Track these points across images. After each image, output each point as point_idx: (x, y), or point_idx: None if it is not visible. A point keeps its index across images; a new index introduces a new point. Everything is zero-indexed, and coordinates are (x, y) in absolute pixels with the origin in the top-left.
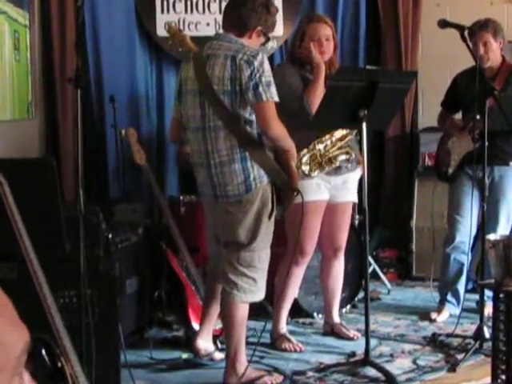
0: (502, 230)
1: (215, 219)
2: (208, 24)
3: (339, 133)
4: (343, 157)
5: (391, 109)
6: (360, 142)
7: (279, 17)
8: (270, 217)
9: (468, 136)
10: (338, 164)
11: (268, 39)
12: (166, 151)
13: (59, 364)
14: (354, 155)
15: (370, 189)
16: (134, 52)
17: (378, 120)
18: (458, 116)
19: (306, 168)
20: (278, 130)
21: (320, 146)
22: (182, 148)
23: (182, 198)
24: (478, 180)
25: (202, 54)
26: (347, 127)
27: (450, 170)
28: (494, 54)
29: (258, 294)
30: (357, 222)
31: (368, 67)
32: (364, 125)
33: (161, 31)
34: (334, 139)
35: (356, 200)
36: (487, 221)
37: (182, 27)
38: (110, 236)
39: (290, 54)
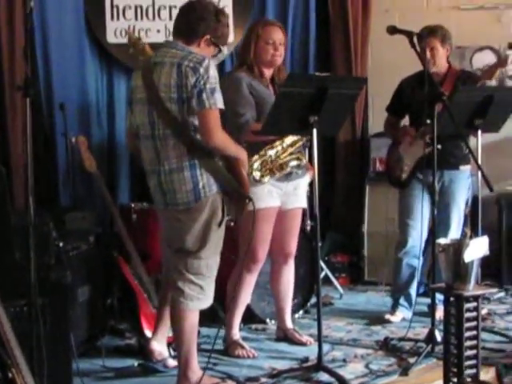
0: (452, 234)
1: (166, 226)
2: (158, 31)
3: (290, 139)
4: (294, 163)
5: (341, 114)
6: (310, 148)
7: (230, 23)
8: (219, 225)
9: (420, 141)
10: (289, 170)
11: (219, 50)
12: (116, 158)
13: (10, 375)
14: (304, 161)
15: (321, 194)
16: (84, 59)
17: (329, 126)
18: (405, 121)
19: (256, 174)
20: (220, 139)
21: (271, 152)
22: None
23: (133, 205)
24: (428, 184)
25: (149, 62)
26: (298, 133)
27: (404, 176)
28: (440, 60)
29: (205, 302)
30: (308, 228)
31: (318, 74)
32: (315, 131)
33: (111, 38)
34: (284, 145)
35: (306, 206)
36: (438, 225)
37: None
38: (61, 244)
39: (241, 58)
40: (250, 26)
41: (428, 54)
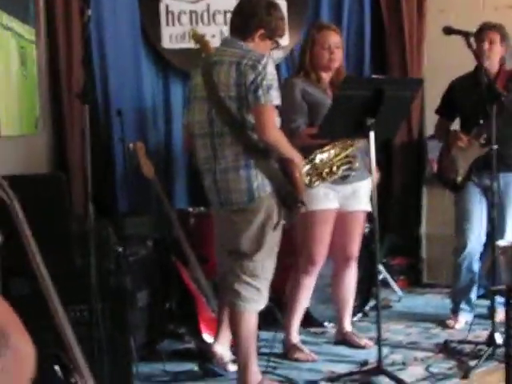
0: (510, 236)
1: (221, 227)
2: (213, 36)
3: (342, 143)
4: (345, 167)
5: (398, 117)
6: (367, 151)
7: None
8: (275, 228)
9: (474, 142)
10: (339, 174)
11: (277, 44)
12: (174, 163)
13: (73, 379)
14: (357, 164)
15: (378, 197)
16: (140, 65)
17: (386, 128)
18: (455, 125)
19: (306, 179)
20: (274, 135)
21: (321, 157)
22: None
23: (190, 209)
24: (484, 187)
25: (209, 61)
26: (355, 136)
27: (459, 179)
28: (495, 56)
29: (261, 303)
30: (366, 230)
31: (374, 76)
32: (372, 133)
33: (166, 43)
34: (336, 149)
35: (369, 208)
36: (495, 227)
37: (186, 38)
38: (120, 249)
39: (299, 63)
40: (307, 31)
41: (486, 46)
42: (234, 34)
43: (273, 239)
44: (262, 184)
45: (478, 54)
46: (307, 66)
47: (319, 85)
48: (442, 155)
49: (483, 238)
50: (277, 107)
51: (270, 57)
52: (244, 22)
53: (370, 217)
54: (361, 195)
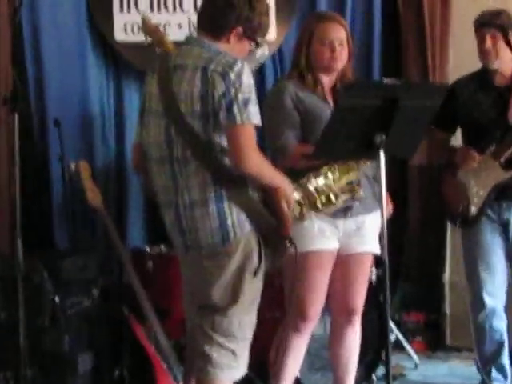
0: None
1: (188, 275)
2: (180, 26)
3: (343, 164)
4: (346, 195)
5: (416, 132)
6: (376, 176)
7: (271, 18)
8: (254, 274)
9: (493, 162)
10: (339, 205)
11: (257, 45)
12: (127, 189)
13: None
14: (361, 192)
15: (390, 234)
16: (85, 62)
17: (400, 146)
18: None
19: (296, 209)
20: (254, 163)
21: (316, 181)
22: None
23: (148, 249)
24: (505, 222)
25: (168, 64)
26: (360, 157)
27: (473, 211)
28: (505, 53)
29: (239, 371)
30: (374, 277)
31: (385, 80)
32: (382, 153)
33: (120, 35)
34: (335, 173)
35: (377, 251)
36: None
37: None
38: (57, 299)
39: (293, 62)
40: (304, 22)
41: (488, 44)
42: (203, 30)
43: (253, 288)
44: (238, 220)
45: (480, 56)
46: (302, 67)
47: (317, 90)
48: (444, 182)
49: (505, 286)
50: (256, 128)
51: (247, 58)
52: (217, 17)
53: (378, 260)
54: (367, 232)
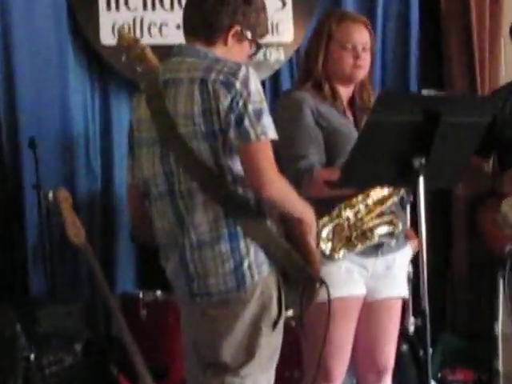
0: None
1: (192, 328)
2: (179, 26)
3: (378, 193)
4: (384, 229)
5: (462, 155)
6: (414, 206)
7: (287, 16)
8: (274, 326)
9: None
10: (376, 240)
11: (259, 46)
12: (115, 223)
13: None
14: (400, 226)
15: (431, 277)
16: (65, 71)
17: (443, 172)
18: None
19: (326, 246)
20: (276, 186)
21: (348, 213)
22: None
23: (141, 295)
24: None
25: (156, 82)
26: (394, 184)
27: None
28: None
29: None
30: (412, 328)
31: (425, 92)
32: (421, 180)
33: (106, 38)
34: (369, 202)
35: (406, 294)
36: None
37: (139, 30)
38: (33, 357)
39: (305, 68)
40: (320, 21)
41: None
42: (194, 36)
43: (271, 343)
44: (256, 261)
45: None
46: (319, 75)
47: (336, 103)
48: (482, 214)
49: None
50: (271, 142)
51: (249, 64)
52: (208, 17)
53: (417, 307)
54: (396, 274)
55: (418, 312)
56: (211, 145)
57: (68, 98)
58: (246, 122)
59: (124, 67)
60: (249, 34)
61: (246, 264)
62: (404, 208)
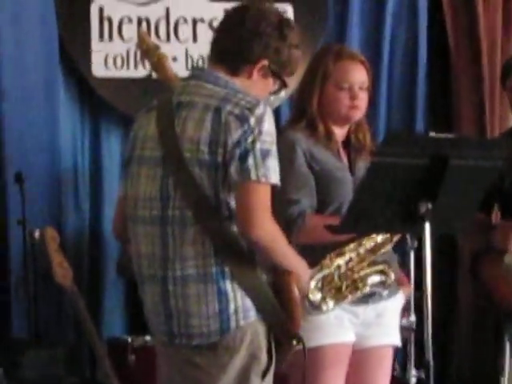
0: None
1: (171, 375)
2: (175, 59)
3: (371, 240)
4: (376, 278)
5: (470, 200)
6: (418, 251)
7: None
8: (263, 376)
9: None
10: (367, 290)
11: (284, 85)
12: (104, 264)
13: None
14: (393, 276)
15: (435, 326)
16: (55, 103)
17: (450, 218)
18: None
19: (315, 297)
20: (267, 232)
21: (339, 261)
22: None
23: (129, 339)
24: None
25: (170, 102)
26: (399, 230)
27: None
28: None
29: None
30: (413, 380)
31: (432, 134)
32: (427, 226)
33: (98, 70)
34: (361, 250)
35: (397, 342)
36: None
37: (133, 62)
38: None
39: (299, 107)
40: (315, 57)
41: None
42: (219, 62)
43: None
44: (243, 306)
45: None
46: (313, 114)
47: (330, 144)
48: (487, 269)
49: None
50: (273, 188)
51: (268, 102)
52: (239, 46)
53: (420, 359)
54: (387, 321)
55: (421, 364)
56: (212, 176)
57: (57, 131)
58: (250, 160)
59: (116, 100)
60: (276, 71)
61: (231, 308)
62: (407, 254)
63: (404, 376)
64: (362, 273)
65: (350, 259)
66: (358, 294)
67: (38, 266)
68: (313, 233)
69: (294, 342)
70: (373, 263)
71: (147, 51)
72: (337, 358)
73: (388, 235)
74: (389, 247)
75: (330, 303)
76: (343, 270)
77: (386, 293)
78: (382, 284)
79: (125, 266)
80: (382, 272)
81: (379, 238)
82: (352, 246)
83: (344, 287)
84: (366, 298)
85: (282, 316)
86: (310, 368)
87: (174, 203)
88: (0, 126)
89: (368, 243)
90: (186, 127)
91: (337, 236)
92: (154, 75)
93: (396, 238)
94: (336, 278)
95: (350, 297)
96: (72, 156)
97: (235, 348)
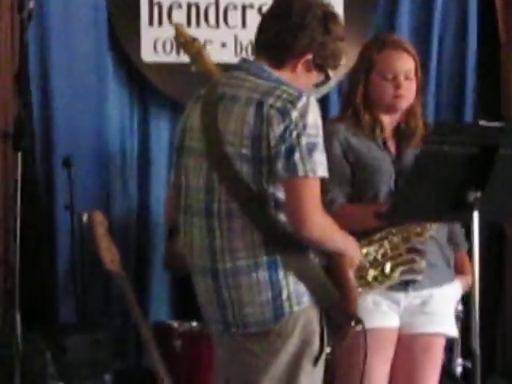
0: None
1: (227, 362)
2: (224, 45)
3: (403, 229)
4: (404, 267)
5: None
6: (469, 239)
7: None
8: (315, 362)
9: None
10: (395, 279)
11: (328, 78)
12: (152, 249)
13: None
14: (423, 263)
15: (483, 316)
16: (104, 88)
17: (498, 207)
18: None
19: None
20: (319, 227)
21: (368, 250)
22: (174, 243)
23: (176, 325)
24: None
25: (214, 92)
26: (447, 218)
27: None
28: None
29: None
30: (459, 369)
31: (481, 123)
32: (476, 214)
33: (148, 55)
34: (393, 239)
35: (451, 332)
36: None
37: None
38: None
39: (346, 98)
40: (362, 48)
41: None
42: (263, 54)
43: (312, 381)
44: (295, 292)
45: None
46: (358, 105)
47: (375, 135)
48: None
49: None
50: (322, 181)
51: (314, 93)
52: (285, 39)
53: (466, 348)
54: (436, 309)
55: (467, 353)
56: (255, 169)
57: (106, 116)
58: (297, 156)
59: (165, 85)
60: (320, 64)
61: (284, 294)
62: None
63: (450, 365)
64: (392, 261)
65: (380, 247)
66: (389, 282)
67: (86, 251)
68: (343, 221)
69: (353, 323)
70: (406, 251)
71: (185, 44)
72: (378, 343)
73: (422, 227)
74: (423, 236)
75: (358, 291)
76: (372, 257)
77: (419, 278)
78: (412, 270)
79: (169, 265)
80: (411, 261)
81: (411, 226)
82: (383, 233)
83: (371, 276)
84: (404, 285)
85: (338, 298)
86: (350, 353)
87: (219, 196)
88: (49, 111)
89: (401, 230)
90: (229, 121)
91: (368, 226)
92: (193, 68)
93: (431, 230)
94: (366, 266)
95: (377, 286)
96: (120, 141)
97: (288, 333)
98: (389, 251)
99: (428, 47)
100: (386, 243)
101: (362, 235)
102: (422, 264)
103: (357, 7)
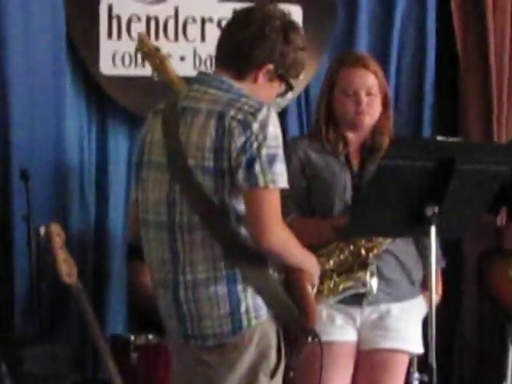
0: None
1: (184, 374)
2: (183, 58)
3: (353, 242)
4: (349, 283)
5: (477, 204)
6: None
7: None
8: (272, 375)
9: None
10: (340, 293)
11: (290, 87)
12: (109, 262)
13: None
14: (368, 277)
15: (440, 331)
16: (62, 100)
17: (455, 222)
18: None
19: None
20: (278, 239)
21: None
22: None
23: (132, 337)
24: None
25: (175, 107)
26: (403, 233)
27: None
28: None
29: None
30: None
31: (440, 138)
32: (433, 229)
33: (106, 67)
34: (342, 254)
35: (411, 349)
36: None
37: (140, 60)
38: None
39: (315, 114)
40: (329, 65)
41: None
42: (224, 66)
43: None
44: (253, 306)
45: None
46: (321, 121)
47: (337, 150)
48: (491, 272)
49: None
50: (282, 192)
51: (274, 104)
52: (245, 50)
53: (423, 362)
54: (395, 325)
55: (425, 367)
56: (217, 182)
57: (64, 128)
58: (257, 167)
59: (124, 98)
60: (281, 74)
61: (243, 308)
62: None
63: (407, 380)
64: (338, 277)
65: (335, 261)
66: (338, 296)
67: (43, 263)
68: (296, 235)
69: (310, 338)
70: (349, 267)
71: (148, 54)
72: (333, 357)
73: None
74: (377, 250)
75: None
76: (327, 271)
77: (383, 295)
78: (357, 285)
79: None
80: (357, 277)
81: (361, 242)
82: (328, 249)
83: (327, 289)
84: (358, 300)
85: (296, 312)
86: (307, 366)
87: (180, 209)
88: (6, 122)
89: (351, 243)
90: (191, 134)
91: (322, 240)
92: (156, 78)
93: (384, 244)
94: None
95: (331, 300)
96: (78, 153)
97: (244, 346)
98: (336, 265)
99: (386, 63)
100: (334, 257)
101: (310, 249)
102: (367, 278)
103: (315, 21)
